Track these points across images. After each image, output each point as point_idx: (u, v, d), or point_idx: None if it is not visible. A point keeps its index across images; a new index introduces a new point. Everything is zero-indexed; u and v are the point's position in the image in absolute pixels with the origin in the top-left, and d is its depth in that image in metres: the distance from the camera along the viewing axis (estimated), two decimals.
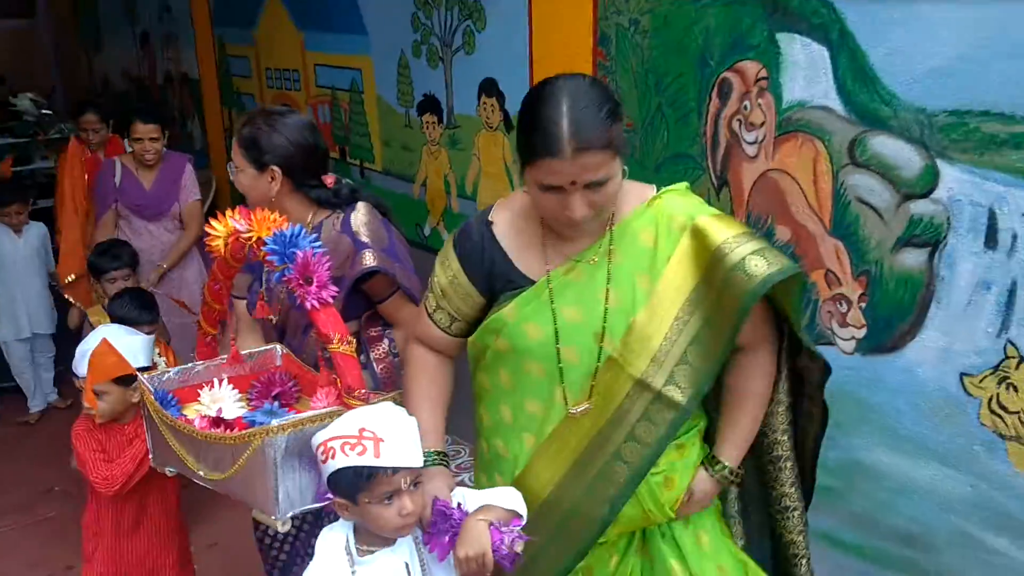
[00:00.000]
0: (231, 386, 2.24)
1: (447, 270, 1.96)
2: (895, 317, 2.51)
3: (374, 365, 2.59)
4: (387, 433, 1.70)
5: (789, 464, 2.03)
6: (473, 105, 3.84)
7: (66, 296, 4.36)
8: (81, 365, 2.63)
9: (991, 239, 2.27)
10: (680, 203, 1.83)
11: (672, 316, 1.77)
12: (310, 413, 1.91)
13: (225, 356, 2.36)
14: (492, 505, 1.78)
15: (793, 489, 2.05)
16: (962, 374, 2.40)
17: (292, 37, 5.03)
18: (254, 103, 5.64)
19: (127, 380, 2.59)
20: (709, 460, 1.94)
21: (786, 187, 2.69)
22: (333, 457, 1.70)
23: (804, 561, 2.09)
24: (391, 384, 2.54)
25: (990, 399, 2.36)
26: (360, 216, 2.51)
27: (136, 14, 7.29)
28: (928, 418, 2.49)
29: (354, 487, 1.70)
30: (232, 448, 1.90)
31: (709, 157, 2.90)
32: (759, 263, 1.70)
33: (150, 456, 2.28)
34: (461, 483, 1.95)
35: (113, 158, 4.51)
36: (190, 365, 2.35)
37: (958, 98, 2.26)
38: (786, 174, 2.68)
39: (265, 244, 1.95)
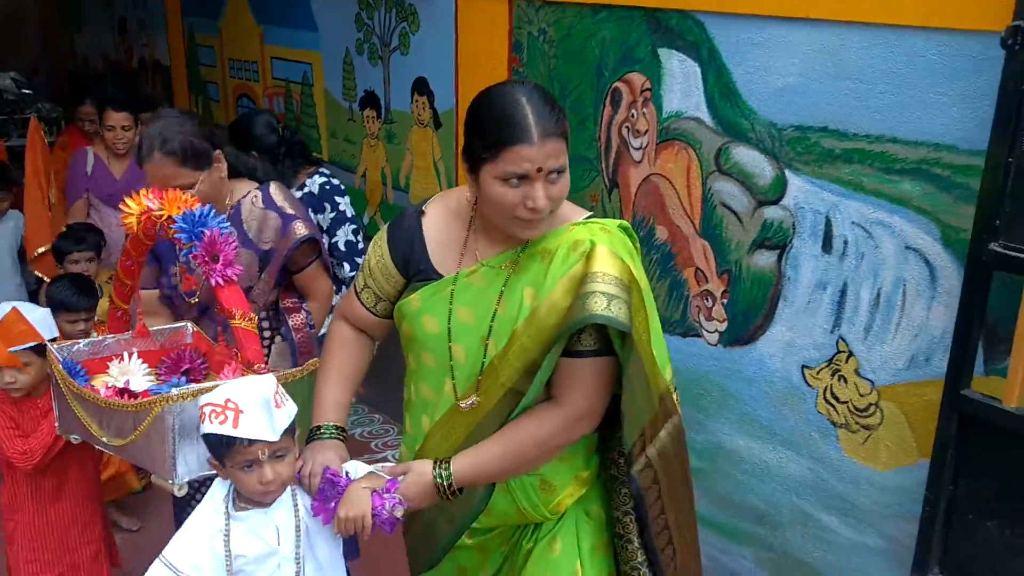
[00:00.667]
0: (140, 360, 2.40)
1: (377, 251, 2.04)
2: (751, 312, 2.75)
3: (292, 335, 2.81)
4: (248, 406, 1.80)
5: (635, 542, 1.97)
6: (408, 102, 4.07)
7: (35, 272, 4.38)
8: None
9: (827, 244, 2.51)
10: (590, 233, 1.83)
11: (547, 333, 1.80)
12: (207, 384, 2.08)
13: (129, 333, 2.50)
14: (377, 474, 1.92)
15: (644, 567, 1.99)
16: (803, 366, 2.64)
17: (252, 30, 5.24)
18: (218, 92, 5.86)
19: (40, 352, 2.63)
20: (441, 461, 1.89)
21: (665, 191, 2.93)
22: (203, 421, 1.84)
23: None
24: (308, 353, 2.74)
25: (825, 390, 2.60)
26: (278, 192, 2.73)
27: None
28: (776, 406, 2.72)
29: (218, 452, 1.85)
30: (134, 415, 2.04)
31: (603, 161, 3.12)
32: (600, 303, 1.71)
33: (56, 424, 2.42)
34: (385, 459, 2.10)
35: (85, 147, 4.59)
36: (100, 338, 2.48)
37: (801, 115, 2.50)
38: (665, 179, 2.91)
39: (175, 223, 2.12)
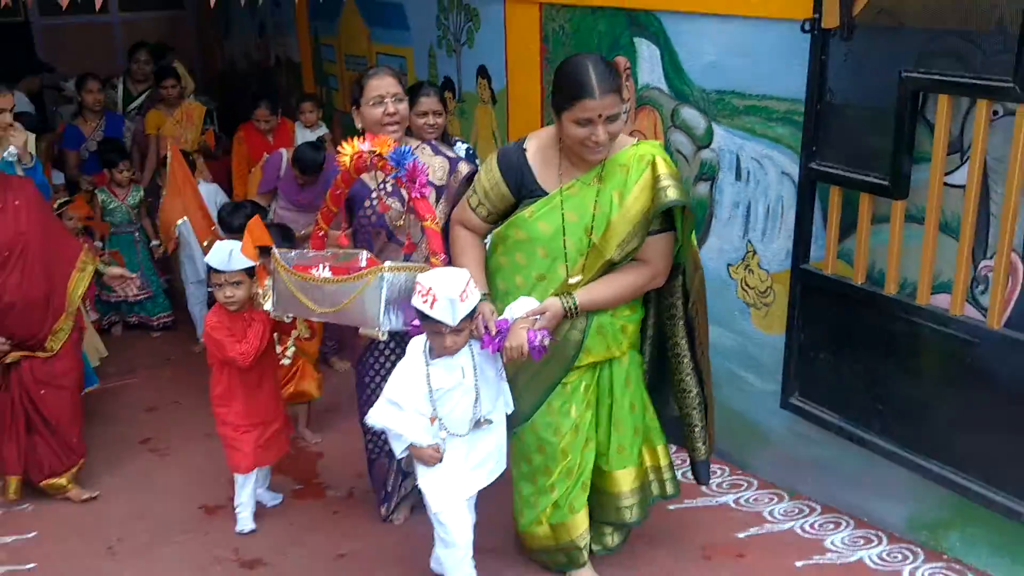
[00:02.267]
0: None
1: (491, 178, 2.76)
2: (697, 229, 3.77)
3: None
4: (441, 296, 2.51)
5: (686, 359, 2.91)
6: (474, 85, 5.22)
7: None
8: (231, 261, 3.28)
9: (738, 175, 3.52)
10: (649, 149, 2.68)
11: (634, 220, 2.62)
12: (403, 263, 2.78)
13: (330, 250, 3.09)
14: (527, 316, 2.66)
15: (689, 378, 2.95)
16: (728, 264, 3.66)
17: (361, 31, 6.50)
18: (337, 82, 7.17)
19: (251, 272, 3.30)
20: (566, 294, 2.70)
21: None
22: (415, 296, 2.57)
23: (697, 429, 2.99)
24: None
25: (741, 280, 3.62)
26: (440, 144, 3.44)
27: (256, 7, 8.94)
28: (713, 296, 3.74)
29: (422, 318, 2.60)
30: (351, 285, 2.70)
31: None
32: (673, 192, 2.59)
33: (271, 310, 3.06)
34: None
35: (281, 150, 5.17)
36: (303, 250, 3.13)
37: (719, 82, 3.51)
38: (641, 133, 3.96)
39: (382, 158, 2.71)
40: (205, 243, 4.58)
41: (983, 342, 2.73)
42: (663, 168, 2.62)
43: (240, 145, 5.97)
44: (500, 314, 2.71)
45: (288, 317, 3.07)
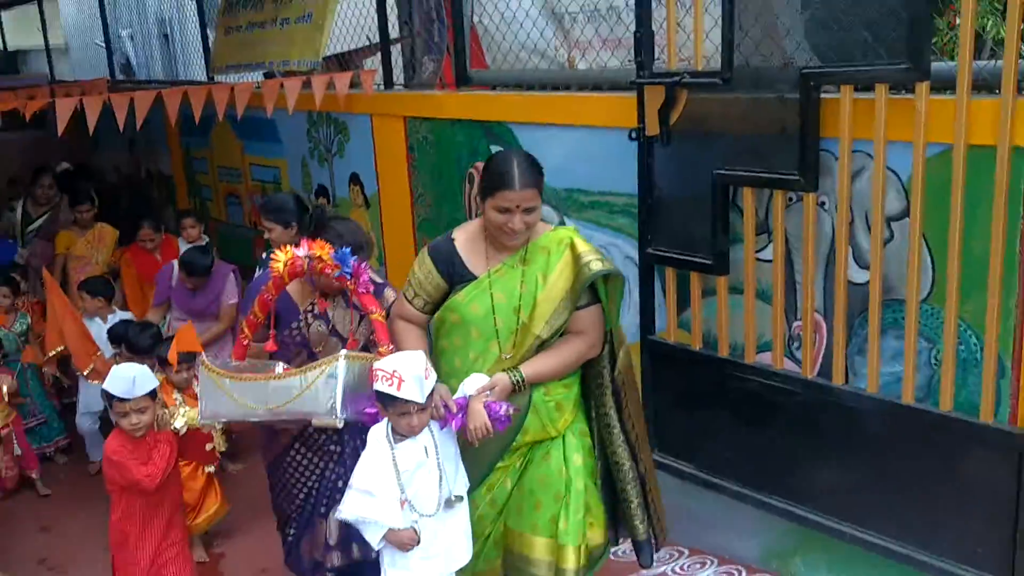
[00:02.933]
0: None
1: (424, 270, 2.93)
2: None
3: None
4: (407, 377, 2.59)
5: (616, 430, 2.93)
6: (347, 190, 5.60)
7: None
8: (135, 388, 3.19)
9: None
10: (566, 233, 2.89)
11: (558, 298, 2.77)
12: (357, 353, 2.86)
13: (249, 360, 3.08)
14: (479, 393, 2.73)
15: (621, 449, 2.95)
16: None
17: (235, 145, 6.83)
18: (211, 194, 7.43)
19: (153, 395, 3.25)
20: (513, 369, 2.79)
21: None
22: (375, 381, 2.64)
23: (633, 505, 2.98)
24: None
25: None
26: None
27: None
28: None
29: (384, 402, 2.67)
30: (302, 377, 2.78)
31: (468, 218, 4.63)
32: (597, 264, 2.76)
33: (199, 418, 3.02)
34: None
35: (171, 262, 5.23)
36: (226, 360, 3.12)
37: (567, 182, 4.00)
38: None
39: (322, 260, 2.86)
40: (84, 372, 4.68)
41: (803, 390, 3.23)
42: (582, 247, 2.83)
43: (129, 267, 6.00)
44: (454, 393, 2.81)
45: (219, 424, 3.09)
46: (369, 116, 5.20)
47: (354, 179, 5.52)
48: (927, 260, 2.86)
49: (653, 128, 3.39)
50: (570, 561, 2.88)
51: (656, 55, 3.47)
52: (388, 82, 5.20)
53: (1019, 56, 2.56)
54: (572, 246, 2.83)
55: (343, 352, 2.80)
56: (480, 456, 2.89)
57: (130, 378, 3.20)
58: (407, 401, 2.62)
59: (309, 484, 3.37)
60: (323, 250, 2.88)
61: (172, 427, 3.16)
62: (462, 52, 4.62)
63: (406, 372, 2.61)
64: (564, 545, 2.88)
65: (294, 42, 5.74)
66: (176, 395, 4.01)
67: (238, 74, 6.78)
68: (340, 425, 2.80)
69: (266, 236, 3.99)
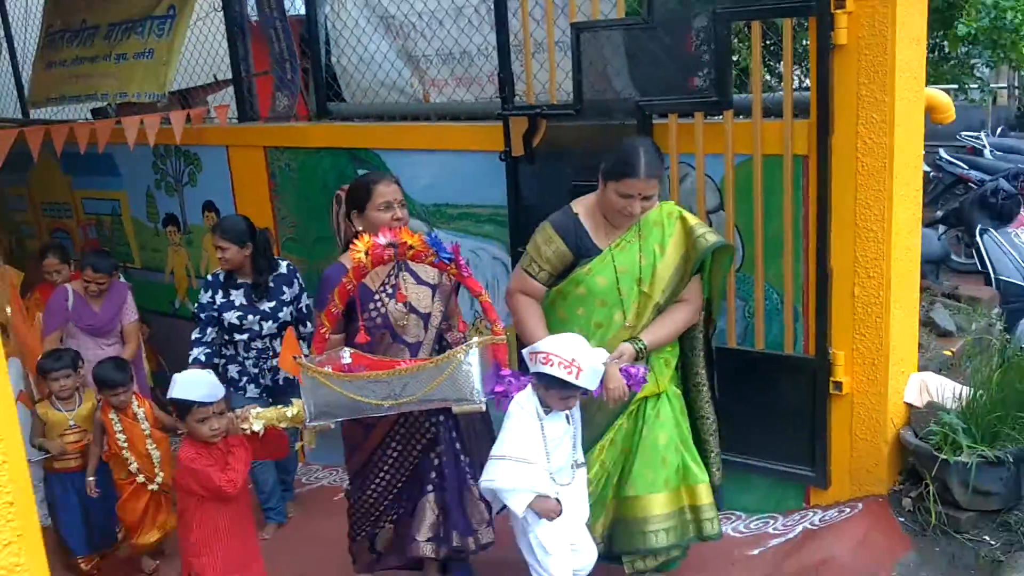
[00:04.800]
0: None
1: (550, 244, 3.14)
2: None
3: None
4: (586, 368, 2.76)
5: (705, 388, 3.30)
6: (200, 217, 5.97)
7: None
8: (215, 390, 3.27)
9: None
10: (672, 207, 3.16)
11: (673, 267, 3.07)
12: (484, 338, 2.94)
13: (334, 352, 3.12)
14: (611, 361, 2.96)
15: (708, 405, 3.32)
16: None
17: (61, 179, 6.92)
18: (32, 230, 7.42)
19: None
20: (634, 339, 3.05)
21: None
22: (547, 365, 2.76)
23: (713, 455, 3.32)
24: None
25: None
26: None
27: None
28: None
29: (549, 384, 2.80)
30: (435, 368, 2.82)
31: (338, 237, 5.20)
32: (712, 236, 3.06)
33: (308, 421, 2.97)
34: None
35: (64, 285, 5.17)
36: (308, 355, 3.11)
37: (435, 198, 4.72)
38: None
39: (412, 248, 2.87)
40: None
41: None
42: (692, 220, 3.13)
43: (41, 307, 5.47)
44: None
45: (333, 424, 3.05)
46: (225, 147, 5.64)
47: (208, 206, 5.90)
48: (739, 240, 3.83)
49: (519, 150, 4.19)
50: (705, 497, 3.19)
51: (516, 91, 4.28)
52: (243, 116, 5.66)
53: (794, 90, 3.59)
54: (682, 219, 3.13)
55: (475, 340, 2.91)
56: (599, 418, 3.14)
57: (208, 382, 3.26)
58: (579, 388, 2.79)
59: (406, 472, 3.39)
60: (412, 238, 2.91)
61: (251, 430, 3.11)
62: (321, 87, 5.21)
63: (585, 362, 2.77)
64: (696, 485, 3.18)
65: (133, 77, 6.06)
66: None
67: (59, 106, 6.89)
68: (484, 408, 2.88)
69: (219, 256, 4.29)
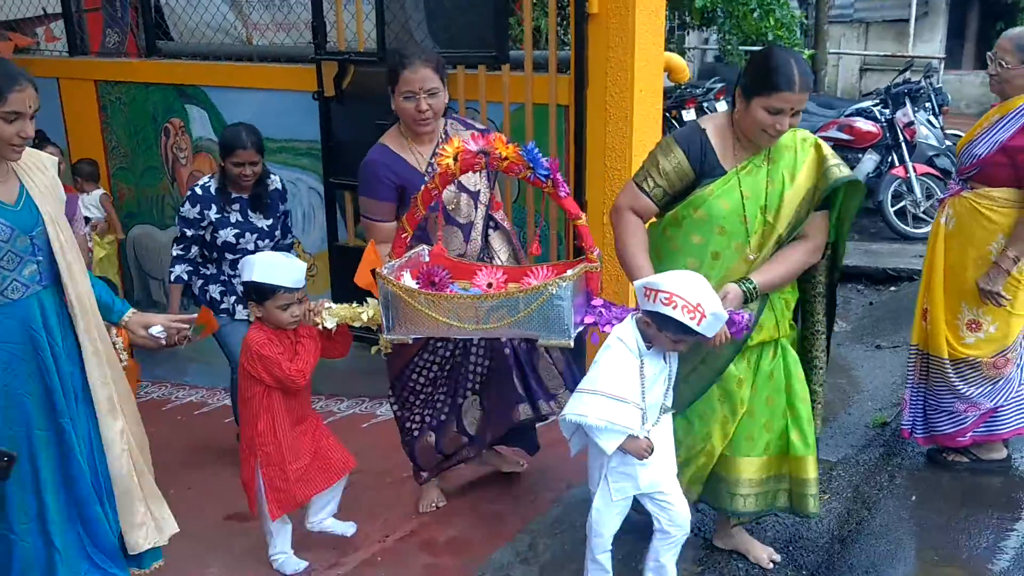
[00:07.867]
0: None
1: (671, 159, 2.77)
2: None
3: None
4: (709, 314, 2.49)
5: (822, 336, 3.00)
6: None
7: None
8: (301, 275, 2.98)
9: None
10: (807, 134, 2.82)
11: (801, 196, 2.73)
12: (575, 270, 2.66)
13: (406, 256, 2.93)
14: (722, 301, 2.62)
15: (822, 353, 3.02)
16: None
17: None
18: None
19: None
20: (743, 280, 2.72)
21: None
22: (674, 307, 2.48)
23: (819, 406, 3.03)
24: None
25: None
26: (462, 119, 3.54)
27: None
28: None
29: (663, 324, 2.53)
30: (525, 297, 2.59)
31: (166, 167, 5.61)
32: (844, 169, 2.75)
33: (385, 334, 2.80)
34: None
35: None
36: (398, 260, 2.89)
37: (267, 131, 5.19)
38: (202, 173, 5.47)
39: (507, 159, 2.63)
40: None
41: None
42: (827, 149, 2.81)
43: None
44: None
45: (412, 339, 2.90)
46: (56, 79, 5.89)
47: (39, 135, 6.13)
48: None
49: (330, 91, 4.73)
50: (811, 471, 2.91)
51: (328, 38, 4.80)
52: (74, 49, 5.92)
53: (558, 48, 4.27)
54: (817, 146, 2.81)
55: (569, 272, 2.68)
56: (715, 360, 2.83)
57: (295, 266, 3.00)
58: (697, 333, 2.54)
59: (444, 376, 3.35)
60: (507, 148, 2.66)
61: (323, 326, 3.01)
62: (151, 26, 5.56)
63: (709, 308, 2.52)
64: (801, 457, 2.89)
65: None
66: None
67: None
68: (572, 345, 2.67)
69: (246, 172, 3.89)
